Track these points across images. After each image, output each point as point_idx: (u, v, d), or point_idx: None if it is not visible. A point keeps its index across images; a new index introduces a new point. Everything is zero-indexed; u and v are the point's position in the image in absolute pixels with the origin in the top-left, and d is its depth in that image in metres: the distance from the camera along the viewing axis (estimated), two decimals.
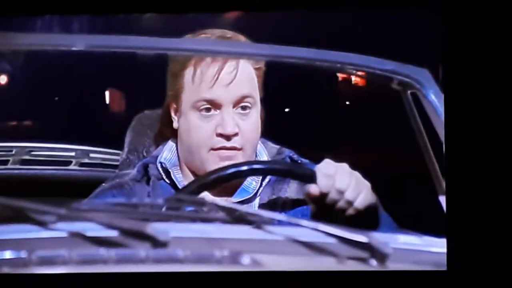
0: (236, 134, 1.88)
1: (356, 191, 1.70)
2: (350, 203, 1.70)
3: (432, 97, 1.81)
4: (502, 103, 1.77)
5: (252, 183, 1.94)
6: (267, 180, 1.95)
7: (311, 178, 1.72)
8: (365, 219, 1.69)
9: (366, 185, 1.73)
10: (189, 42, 1.93)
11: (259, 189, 1.95)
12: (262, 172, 1.90)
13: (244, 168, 1.82)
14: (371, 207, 1.73)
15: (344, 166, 1.73)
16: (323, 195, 1.70)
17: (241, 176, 1.87)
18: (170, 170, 1.96)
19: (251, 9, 2.01)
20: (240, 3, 1.92)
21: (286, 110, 1.97)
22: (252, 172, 1.87)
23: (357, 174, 1.73)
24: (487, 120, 1.74)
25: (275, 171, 1.87)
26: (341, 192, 1.70)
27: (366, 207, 1.71)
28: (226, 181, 1.83)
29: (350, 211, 1.71)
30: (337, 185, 1.70)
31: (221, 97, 1.88)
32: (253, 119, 1.91)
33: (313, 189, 1.71)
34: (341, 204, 1.70)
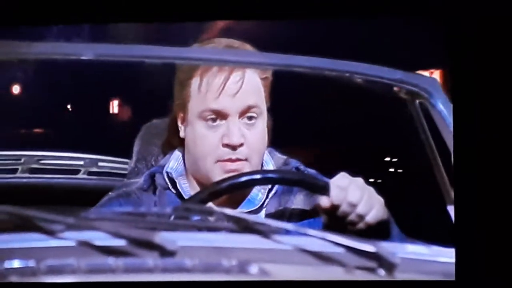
0: (241, 145, 1.88)
1: (368, 206, 1.70)
2: (361, 217, 1.70)
3: (441, 106, 1.81)
4: (511, 113, 1.77)
5: (258, 194, 1.94)
6: (273, 191, 1.95)
7: (324, 189, 1.71)
8: (376, 234, 1.68)
9: (379, 200, 1.72)
10: (197, 51, 1.93)
11: (265, 200, 1.94)
12: (276, 182, 1.90)
13: (258, 176, 1.82)
14: (383, 223, 1.72)
15: (359, 180, 1.72)
16: (335, 207, 1.70)
17: (254, 184, 1.88)
18: (176, 180, 1.96)
19: (258, 18, 2.01)
20: (251, 12, 1.92)
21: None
22: (266, 181, 1.88)
23: (370, 189, 1.72)
24: (497, 130, 1.73)
25: (289, 181, 1.86)
26: (353, 205, 1.69)
27: (377, 223, 1.71)
28: (238, 189, 1.83)
29: (361, 225, 1.70)
30: (349, 198, 1.69)
31: (227, 107, 1.88)
32: (259, 129, 1.91)
33: (324, 201, 1.70)
34: (352, 217, 1.70)
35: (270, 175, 1.87)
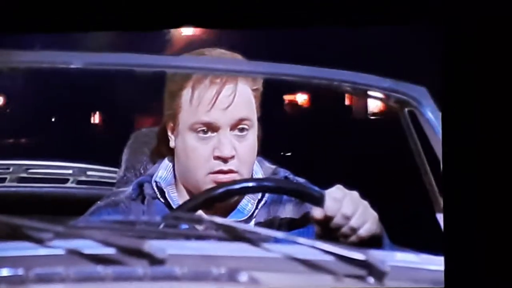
0: (233, 157, 1.88)
1: (361, 219, 1.69)
2: (354, 230, 1.69)
3: (430, 114, 1.81)
4: (500, 122, 1.77)
5: (247, 204, 1.94)
6: (263, 202, 1.94)
7: (319, 200, 1.71)
8: (367, 248, 1.67)
9: (373, 215, 1.72)
10: (188, 60, 1.93)
11: (254, 210, 1.94)
12: (271, 190, 1.89)
13: (253, 184, 1.82)
14: (375, 237, 1.72)
15: (354, 193, 1.72)
16: (328, 219, 1.69)
17: (248, 192, 1.87)
18: (165, 190, 1.95)
19: (248, 27, 2.01)
20: (241, 21, 1.92)
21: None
22: (261, 189, 1.87)
23: (365, 203, 1.72)
24: (485, 138, 1.74)
25: (284, 190, 1.86)
26: (346, 218, 1.69)
27: (370, 237, 1.71)
28: (232, 197, 1.83)
29: (354, 238, 1.69)
30: (343, 210, 1.69)
31: (219, 120, 1.87)
32: (250, 142, 1.91)
33: (318, 212, 1.70)
34: (345, 230, 1.69)
35: (265, 183, 1.87)
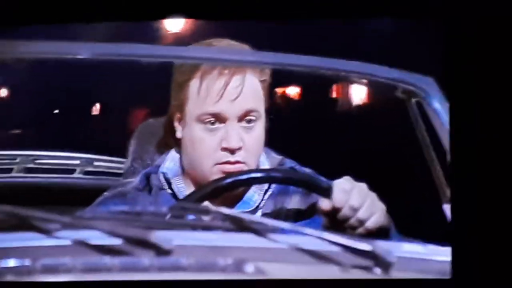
0: (240, 148, 1.88)
1: (369, 211, 1.69)
2: (361, 222, 1.69)
3: (437, 105, 1.80)
4: (507, 112, 1.77)
5: (254, 195, 1.94)
6: (269, 192, 1.94)
7: (327, 191, 1.70)
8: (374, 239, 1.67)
9: (380, 207, 1.71)
10: (196, 51, 1.93)
11: (261, 201, 1.94)
12: (279, 181, 1.89)
13: (260, 175, 1.82)
14: (383, 229, 1.71)
15: (362, 185, 1.71)
16: (336, 210, 1.69)
17: (256, 182, 1.88)
18: (172, 181, 1.96)
19: (254, 18, 2.00)
20: (242, 12, 1.92)
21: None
22: (268, 180, 1.87)
23: (373, 195, 1.71)
24: (492, 128, 1.73)
25: (292, 180, 1.85)
26: (354, 210, 1.68)
27: (377, 229, 1.70)
28: (239, 187, 1.83)
29: (361, 230, 1.69)
30: (351, 201, 1.68)
31: (227, 112, 1.87)
32: (257, 133, 1.91)
33: (326, 203, 1.69)
34: (352, 221, 1.69)
35: (273, 173, 1.87)
